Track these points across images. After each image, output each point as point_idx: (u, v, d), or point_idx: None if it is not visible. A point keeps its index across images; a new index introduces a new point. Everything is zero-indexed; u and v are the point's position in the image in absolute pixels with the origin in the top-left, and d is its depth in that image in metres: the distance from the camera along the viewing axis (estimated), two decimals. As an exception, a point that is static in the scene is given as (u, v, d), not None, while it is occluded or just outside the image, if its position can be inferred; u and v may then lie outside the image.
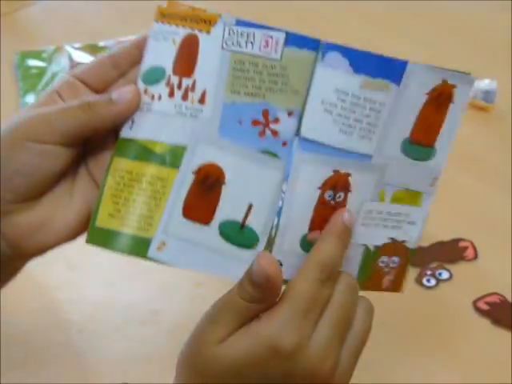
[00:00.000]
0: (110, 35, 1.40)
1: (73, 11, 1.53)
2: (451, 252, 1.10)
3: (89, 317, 0.97)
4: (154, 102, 0.70)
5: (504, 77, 1.38)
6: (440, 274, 1.06)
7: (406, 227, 0.69)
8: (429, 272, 1.06)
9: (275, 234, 0.68)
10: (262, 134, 0.67)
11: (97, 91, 0.73)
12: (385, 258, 0.70)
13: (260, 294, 0.64)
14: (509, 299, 1.02)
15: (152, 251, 0.69)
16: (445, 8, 1.55)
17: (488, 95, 1.34)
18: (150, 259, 0.69)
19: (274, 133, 0.67)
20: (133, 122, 0.70)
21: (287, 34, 0.65)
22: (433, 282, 1.05)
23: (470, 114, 1.34)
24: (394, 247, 0.70)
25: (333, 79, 0.64)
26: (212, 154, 0.67)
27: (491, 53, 1.47)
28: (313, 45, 0.65)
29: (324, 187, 0.66)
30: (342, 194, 0.66)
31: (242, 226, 0.68)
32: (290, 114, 0.66)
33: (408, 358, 0.95)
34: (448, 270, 1.07)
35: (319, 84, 0.65)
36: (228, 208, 0.68)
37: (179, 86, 0.69)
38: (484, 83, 1.35)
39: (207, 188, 0.68)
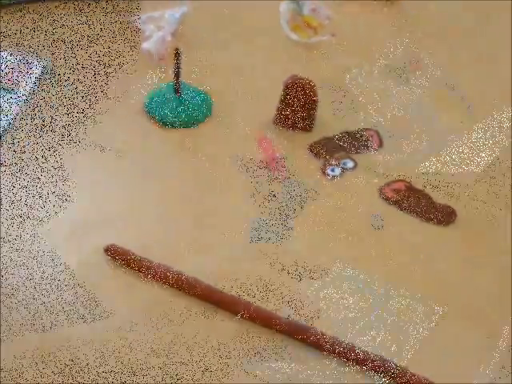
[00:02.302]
0: None
1: None
2: (356, 142, 1.07)
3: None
4: None
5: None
6: (345, 164, 1.03)
7: None
8: (333, 162, 1.03)
9: None
10: None
11: None
12: None
13: None
14: (414, 185, 1.01)
15: None
16: None
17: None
18: None
19: None
20: None
21: None
22: (337, 171, 1.02)
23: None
24: None
25: None
26: None
27: None
28: None
29: None
30: None
31: None
32: None
33: (323, 246, 0.93)
34: (353, 160, 1.04)
35: None
36: None
37: None
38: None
39: None
